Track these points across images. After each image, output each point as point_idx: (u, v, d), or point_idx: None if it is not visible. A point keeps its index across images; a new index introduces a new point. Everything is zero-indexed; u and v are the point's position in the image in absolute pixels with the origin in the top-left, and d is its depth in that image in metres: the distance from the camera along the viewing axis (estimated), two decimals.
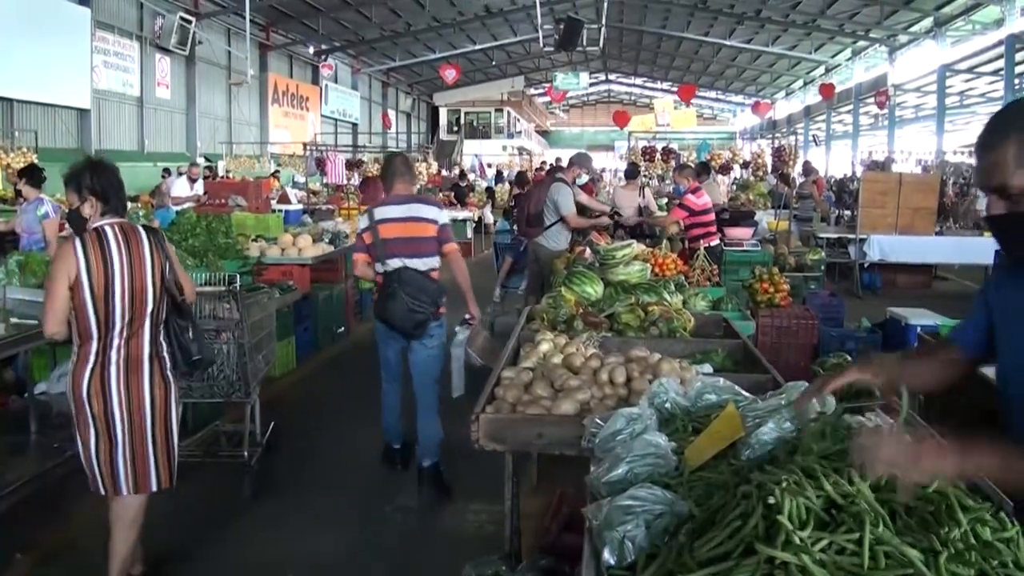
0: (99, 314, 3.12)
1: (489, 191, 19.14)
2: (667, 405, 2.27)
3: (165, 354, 3.31)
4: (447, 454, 4.62)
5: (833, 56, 30.18)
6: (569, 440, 2.52)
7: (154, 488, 3.30)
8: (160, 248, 3.27)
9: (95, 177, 3.21)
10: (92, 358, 3.14)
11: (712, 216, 8.08)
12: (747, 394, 2.28)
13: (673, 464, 1.91)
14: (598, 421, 2.27)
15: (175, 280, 3.33)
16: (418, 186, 20.23)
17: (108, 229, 3.17)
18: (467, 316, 4.81)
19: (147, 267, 3.20)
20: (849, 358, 4.90)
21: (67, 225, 5.04)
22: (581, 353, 3.21)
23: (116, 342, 3.16)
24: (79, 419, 3.19)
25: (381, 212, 4.50)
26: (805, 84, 36.18)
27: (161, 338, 3.30)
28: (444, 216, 4.59)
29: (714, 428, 1.93)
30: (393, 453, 4.92)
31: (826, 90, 26.93)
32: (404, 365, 4.63)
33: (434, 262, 4.50)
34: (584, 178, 8.18)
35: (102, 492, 3.25)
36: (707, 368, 3.28)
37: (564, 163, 8.80)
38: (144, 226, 3.35)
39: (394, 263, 4.39)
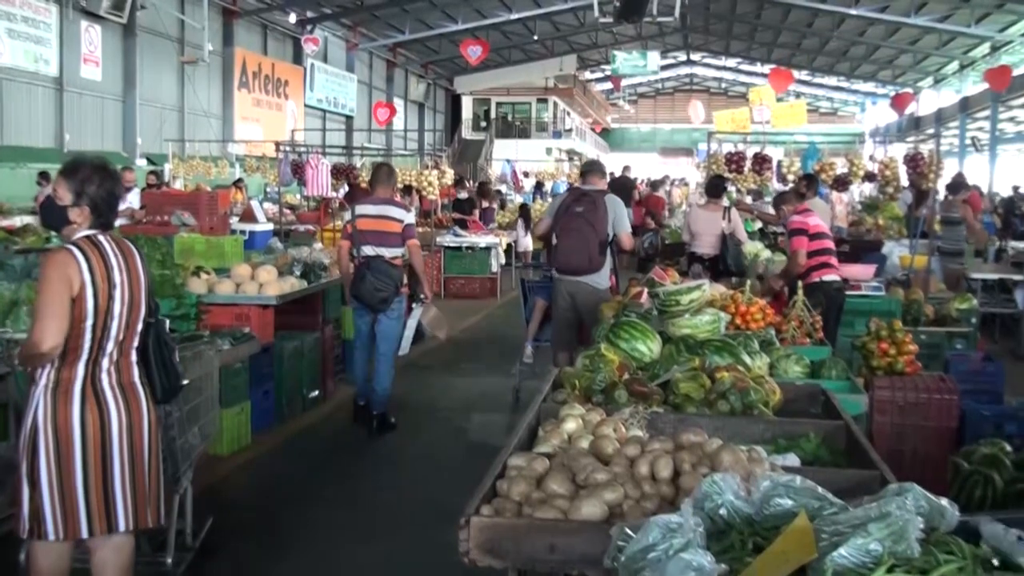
0: (96, 331, 3.64)
1: (524, 208, 19.22)
2: (721, 511, 2.27)
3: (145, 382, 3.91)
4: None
5: (1002, 30, 29.91)
6: (592, 556, 2.52)
7: (150, 524, 3.87)
8: (146, 265, 3.92)
9: (101, 186, 3.73)
10: (80, 382, 3.65)
11: (829, 242, 7.94)
12: (835, 499, 2.25)
13: None
14: (628, 531, 2.26)
15: (154, 300, 3.99)
16: (431, 197, 20.45)
17: (103, 239, 3.74)
18: (422, 296, 7.89)
19: (142, 284, 3.83)
20: (1008, 447, 4.77)
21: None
22: (618, 436, 3.20)
23: (105, 364, 3.71)
24: (62, 451, 3.62)
25: (361, 209, 7.53)
26: (962, 68, 35.99)
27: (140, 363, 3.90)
28: (409, 217, 7.63)
29: (779, 546, 1.93)
30: (362, 410, 7.75)
31: (995, 76, 26.37)
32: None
33: (399, 251, 7.44)
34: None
35: (83, 534, 3.69)
36: (792, 460, 3.25)
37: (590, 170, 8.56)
38: (130, 239, 3.99)
39: (367, 250, 7.34)
